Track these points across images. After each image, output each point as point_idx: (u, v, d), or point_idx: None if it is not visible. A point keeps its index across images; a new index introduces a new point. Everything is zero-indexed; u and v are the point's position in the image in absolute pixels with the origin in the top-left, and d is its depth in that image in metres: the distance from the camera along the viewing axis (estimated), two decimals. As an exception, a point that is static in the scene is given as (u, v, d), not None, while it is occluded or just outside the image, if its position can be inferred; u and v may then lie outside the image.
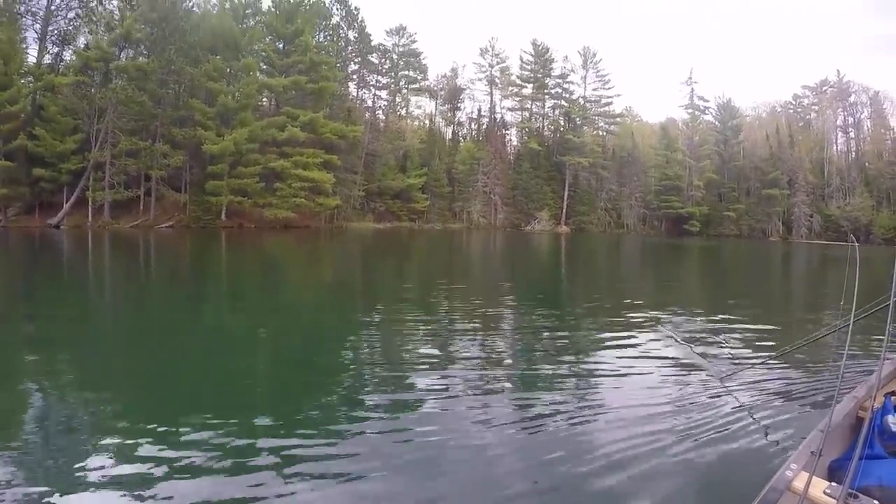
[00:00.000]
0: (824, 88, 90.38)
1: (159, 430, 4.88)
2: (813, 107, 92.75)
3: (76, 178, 39.44)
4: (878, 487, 2.65)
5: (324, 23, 62.13)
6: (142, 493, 3.82)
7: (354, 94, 69.11)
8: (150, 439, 4.67)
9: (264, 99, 55.05)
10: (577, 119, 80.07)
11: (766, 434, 5.08)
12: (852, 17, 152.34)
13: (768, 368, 7.32)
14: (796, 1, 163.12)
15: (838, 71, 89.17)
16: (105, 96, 39.61)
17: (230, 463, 4.29)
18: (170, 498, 3.78)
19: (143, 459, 4.28)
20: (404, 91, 75.79)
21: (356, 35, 66.70)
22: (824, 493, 2.51)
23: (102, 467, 4.18)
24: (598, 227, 75.49)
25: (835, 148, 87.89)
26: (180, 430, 4.87)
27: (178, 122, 44.18)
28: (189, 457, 4.34)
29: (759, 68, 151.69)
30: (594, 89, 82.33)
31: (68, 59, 44.16)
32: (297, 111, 51.27)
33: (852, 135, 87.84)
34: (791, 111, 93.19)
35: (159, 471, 4.12)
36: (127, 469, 4.16)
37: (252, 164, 46.72)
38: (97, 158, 39.29)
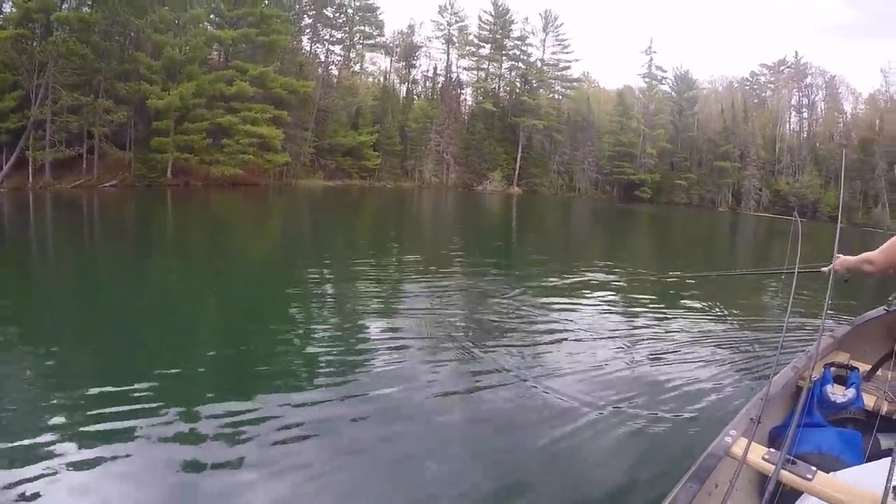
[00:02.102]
0: (782, 68, 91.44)
1: (102, 397, 4.95)
2: (769, 85, 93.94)
3: (15, 138, 37.93)
4: (816, 454, 2.78)
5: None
6: (81, 461, 3.91)
7: (308, 48, 67.50)
8: (92, 407, 4.74)
9: (214, 52, 53.53)
10: (534, 81, 79.67)
11: (708, 403, 5.38)
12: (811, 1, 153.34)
13: (711, 339, 7.72)
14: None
15: (796, 52, 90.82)
16: (45, 49, 38.03)
17: (172, 432, 4.40)
18: (112, 462, 3.91)
19: (85, 426, 4.38)
20: (359, 47, 74.24)
21: (312, -13, 65.03)
22: (763, 458, 2.56)
23: (41, 431, 4.25)
24: (550, 189, 75.67)
25: (788, 126, 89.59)
26: (123, 398, 4.92)
27: (122, 77, 42.65)
28: (133, 426, 4.42)
29: (718, 43, 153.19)
30: (553, 53, 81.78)
31: (8, 10, 41.93)
32: (247, 65, 50.00)
33: (805, 115, 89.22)
34: (747, 87, 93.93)
35: (100, 438, 4.20)
36: (66, 435, 4.23)
37: (199, 119, 45.60)
38: (37, 116, 37.84)
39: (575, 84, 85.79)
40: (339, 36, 70.98)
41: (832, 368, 3.71)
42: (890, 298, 4.52)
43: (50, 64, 38.08)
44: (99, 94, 41.12)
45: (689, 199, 78.42)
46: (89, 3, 42.07)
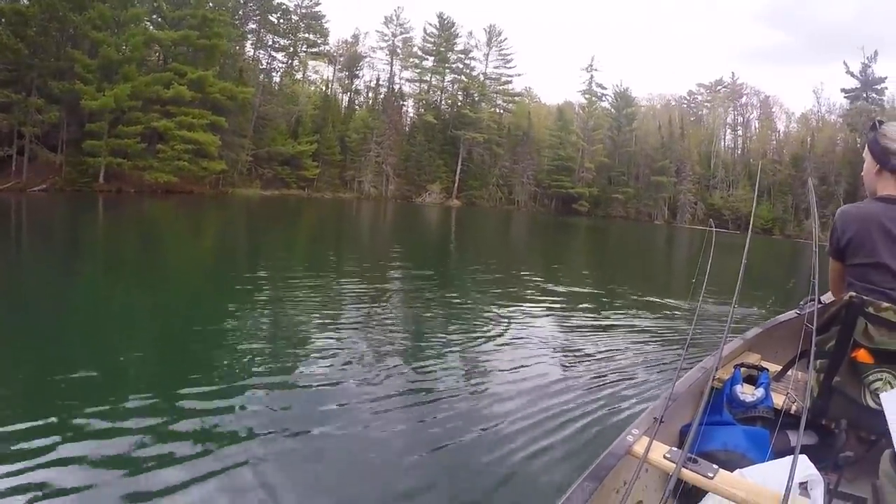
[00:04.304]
0: (718, 88, 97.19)
1: (30, 418, 4.64)
2: (706, 104, 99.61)
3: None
4: (722, 451, 2.82)
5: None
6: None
7: (251, 53, 66.99)
8: (17, 429, 4.43)
9: (156, 53, 52.27)
10: (476, 95, 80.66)
11: (619, 407, 5.45)
12: (745, 25, 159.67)
13: (624, 344, 7.89)
14: (697, 6, 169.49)
15: (733, 73, 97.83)
16: (-24, 42, 36.47)
17: (102, 453, 4.15)
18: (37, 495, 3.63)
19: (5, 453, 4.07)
20: (302, 54, 73.82)
21: (258, -9, 64.28)
22: (664, 457, 2.50)
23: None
24: (490, 202, 76.67)
25: (723, 143, 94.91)
26: (48, 421, 4.64)
27: (56, 75, 41.11)
28: (58, 450, 4.15)
29: (658, 63, 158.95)
30: (495, 67, 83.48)
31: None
32: (186, 68, 48.86)
33: (740, 133, 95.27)
34: (685, 106, 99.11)
35: (28, 463, 3.93)
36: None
37: (134, 123, 44.23)
38: (-36, 113, 36.17)
39: (516, 98, 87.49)
40: (282, 43, 70.58)
41: (742, 369, 3.78)
42: (801, 302, 4.41)
43: (-20, 57, 36.52)
44: (31, 91, 39.56)
45: (626, 213, 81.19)
46: (28, -6, 40.45)
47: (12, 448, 4.10)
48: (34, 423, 4.49)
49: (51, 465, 3.91)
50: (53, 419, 4.62)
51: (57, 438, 4.27)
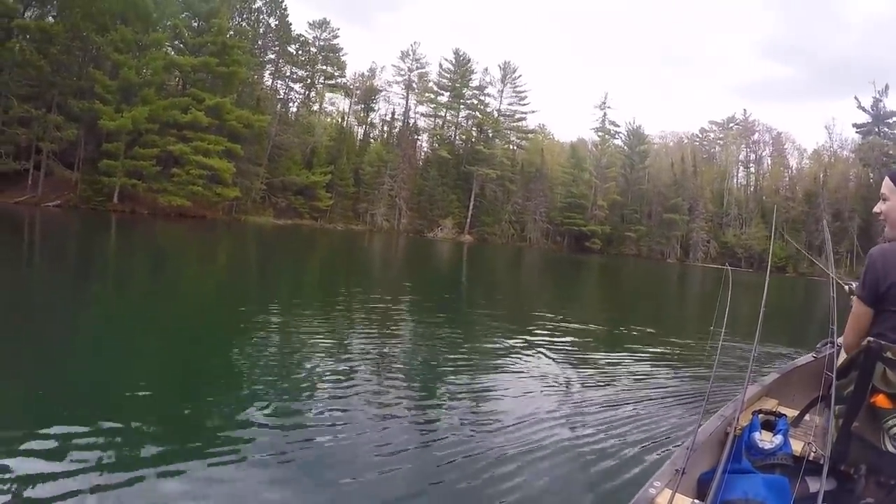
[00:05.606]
0: (730, 125, 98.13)
1: (33, 436, 4.38)
2: (718, 141, 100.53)
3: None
4: (743, 500, 2.79)
5: (246, 5, 60.90)
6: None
7: (269, 83, 67.68)
8: (20, 447, 4.19)
9: (175, 78, 52.72)
10: (490, 131, 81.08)
11: (637, 454, 5.14)
12: (753, 60, 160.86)
13: (639, 388, 7.57)
14: (706, 44, 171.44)
15: (745, 110, 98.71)
16: (1, 56, 36.82)
17: (105, 473, 3.91)
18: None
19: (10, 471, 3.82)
20: (319, 86, 74.51)
21: (276, 23, 65.08)
22: None
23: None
24: (501, 238, 76.34)
25: (735, 180, 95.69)
26: (54, 437, 4.37)
27: (76, 94, 41.55)
28: (61, 467, 3.91)
29: (670, 101, 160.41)
30: (510, 103, 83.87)
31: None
32: (204, 94, 49.27)
33: (753, 170, 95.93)
34: (697, 143, 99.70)
35: (29, 482, 3.68)
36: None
37: (150, 145, 44.58)
38: (-16, 125, 36.26)
39: (530, 135, 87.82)
40: (300, 73, 71.43)
41: (760, 415, 3.78)
42: (818, 346, 4.64)
43: (4, 71, 36.76)
44: (51, 108, 39.89)
45: (638, 251, 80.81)
46: (53, 14, 40.82)
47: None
48: (24, 444, 4.27)
49: (42, 482, 3.71)
50: (47, 437, 4.39)
51: (49, 457, 4.08)
